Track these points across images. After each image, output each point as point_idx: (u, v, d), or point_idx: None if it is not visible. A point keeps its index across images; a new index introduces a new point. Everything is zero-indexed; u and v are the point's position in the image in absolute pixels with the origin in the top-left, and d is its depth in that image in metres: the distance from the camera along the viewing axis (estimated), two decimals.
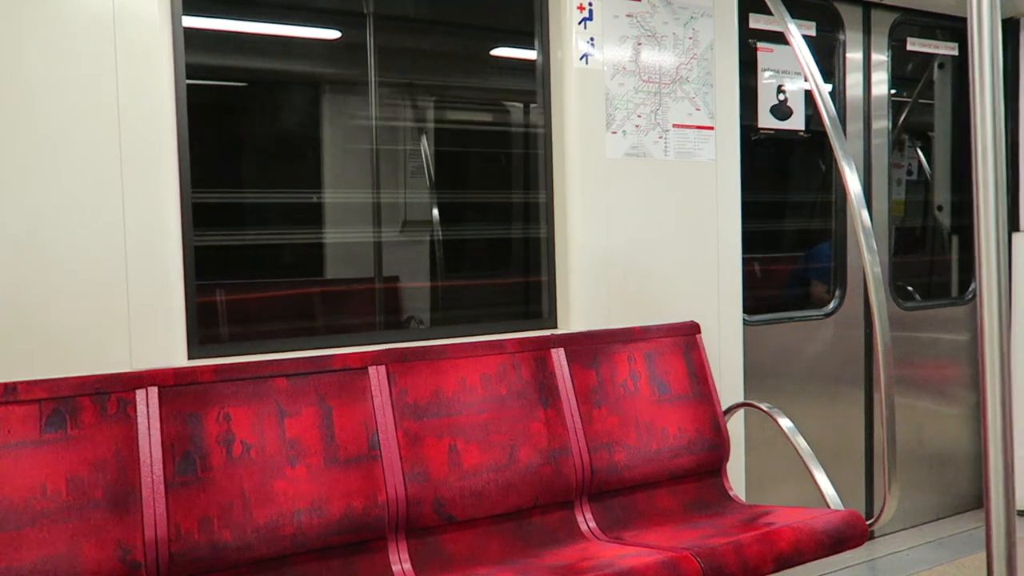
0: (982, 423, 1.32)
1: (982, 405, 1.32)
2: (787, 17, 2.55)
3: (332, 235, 3.62)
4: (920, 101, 4.15)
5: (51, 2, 1.95)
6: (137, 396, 1.90)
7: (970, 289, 3.93)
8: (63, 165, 1.97)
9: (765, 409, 2.63)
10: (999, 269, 1.30)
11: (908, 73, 4.03)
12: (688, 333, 2.72)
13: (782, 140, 3.45)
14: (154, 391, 1.92)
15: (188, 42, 2.20)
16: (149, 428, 1.89)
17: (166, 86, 2.10)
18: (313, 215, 3.64)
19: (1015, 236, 3.80)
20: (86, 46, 1.99)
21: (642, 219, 2.80)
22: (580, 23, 2.68)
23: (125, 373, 1.93)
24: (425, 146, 3.80)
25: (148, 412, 1.90)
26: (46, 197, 1.96)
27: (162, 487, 1.86)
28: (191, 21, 2.26)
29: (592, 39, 2.69)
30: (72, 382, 1.86)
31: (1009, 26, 3.77)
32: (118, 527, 1.80)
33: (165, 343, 2.09)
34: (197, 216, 2.20)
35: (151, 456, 1.87)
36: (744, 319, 3.06)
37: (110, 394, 1.88)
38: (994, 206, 1.30)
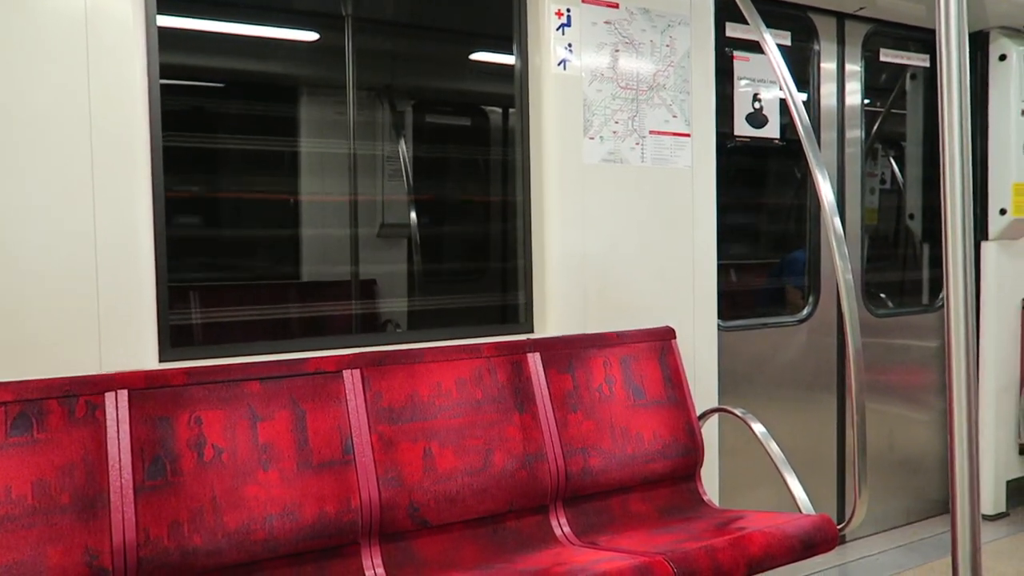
0: (948, 429, 1.34)
1: (949, 411, 1.34)
2: (762, 27, 2.58)
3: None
4: (893, 111, 4.21)
5: (21, 1, 1.92)
6: (106, 399, 1.87)
7: (940, 296, 3.99)
8: (33, 166, 1.94)
9: (739, 414, 2.65)
10: (966, 277, 1.33)
11: (881, 83, 4.09)
12: (663, 338, 2.73)
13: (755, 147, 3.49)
14: (124, 394, 1.89)
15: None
16: (118, 432, 1.86)
17: (139, 87, 2.08)
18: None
19: (983, 245, 3.87)
20: (57, 46, 1.96)
21: (618, 225, 2.82)
22: (558, 29, 2.69)
23: (94, 376, 1.90)
24: (403, 149, 3.80)
25: (117, 415, 1.87)
26: (14, 198, 1.93)
27: (131, 492, 1.83)
28: (166, 21, 2.24)
29: (570, 45, 2.71)
30: (39, 384, 1.83)
31: (978, 39, 3.84)
32: (85, 532, 1.77)
33: (136, 346, 2.06)
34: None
35: (120, 460, 1.85)
36: (719, 324, 3.08)
37: (78, 397, 1.85)
38: (961, 215, 1.32)
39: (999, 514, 3.89)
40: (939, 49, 1.32)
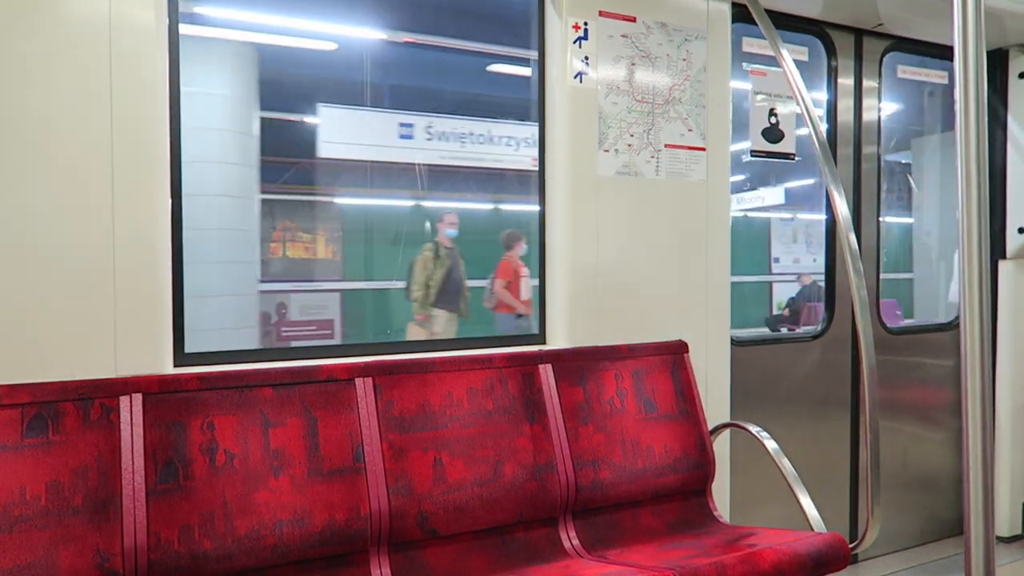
0: (963, 448, 1.33)
1: (964, 430, 1.33)
2: (779, 42, 2.58)
3: None
4: (910, 127, 4.19)
5: (46, 8, 1.96)
6: (121, 403, 1.89)
7: (955, 314, 3.96)
8: (53, 170, 1.97)
9: (752, 430, 2.63)
10: (982, 295, 1.32)
11: (898, 100, 4.08)
12: (676, 352, 2.72)
13: None
14: (138, 398, 1.91)
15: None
16: (132, 435, 1.88)
17: (160, 93, 2.11)
18: None
19: (1000, 264, 3.84)
20: (81, 52, 1.99)
21: (632, 238, 2.82)
22: (575, 42, 2.70)
23: (109, 379, 1.92)
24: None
25: (132, 419, 1.89)
26: (35, 202, 1.95)
27: (143, 495, 1.85)
28: (186, 29, 2.27)
29: (586, 58, 2.72)
30: (55, 387, 1.85)
31: (997, 56, 3.82)
32: (97, 534, 1.79)
33: (151, 351, 2.08)
34: None
35: (133, 463, 1.86)
36: (732, 339, 3.07)
37: (93, 400, 1.87)
38: (978, 233, 1.31)
39: (1014, 536, 3.84)
40: (957, 66, 1.32)
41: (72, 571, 1.74)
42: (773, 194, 8.26)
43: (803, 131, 3.04)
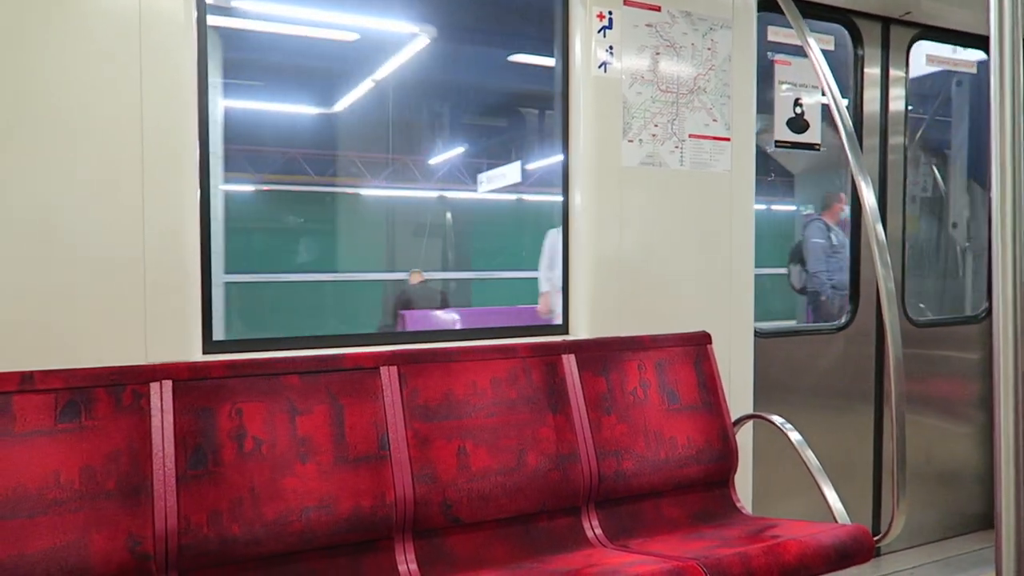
0: (993, 442, 1.32)
1: (994, 424, 1.32)
2: (806, 30, 2.56)
3: None
4: (937, 118, 4.14)
5: (77, 2, 1.98)
6: (151, 389, 1.92)
7: (983, 307, 3.91)
8: (84, 160, 2.00)
9: (776, 422, 2.62)
10: (1015, 286, 1.30)
11: (926, 89, 4.03)
12: (699, 343, 2.72)
13: None
14: (168, 385, 1.94)
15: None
16: (163, 421, 1.91)
17: (189, 85, 2.13)
18: None
19: None
20: (111, 43, 2.02)
21: (656, 228, 2.81)
22: (599, 31, 2.69)
23: (140, 366, 1.95)
24: None
25: (162, 405, 1.92)
26: (66, 191, 1.98)
27: (173, 480, 1.88)
28: (215, 20, 2.29)
29: (611, 48, 2.71)
30: (88, 373, 1.88)
31: None
32: (129, 518, 1.82)
33: (181, 339, 2.11)
34: None
35: (163, 449, 1.89)
36: (755, 330, 3.06)
37: (125, 386, 1.90)
38: (1013, 223, 1.30)
39: None
40: (992, 53, 1.31)
41: (104, 554, 1.78)
42: (513, 172, 7.62)
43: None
